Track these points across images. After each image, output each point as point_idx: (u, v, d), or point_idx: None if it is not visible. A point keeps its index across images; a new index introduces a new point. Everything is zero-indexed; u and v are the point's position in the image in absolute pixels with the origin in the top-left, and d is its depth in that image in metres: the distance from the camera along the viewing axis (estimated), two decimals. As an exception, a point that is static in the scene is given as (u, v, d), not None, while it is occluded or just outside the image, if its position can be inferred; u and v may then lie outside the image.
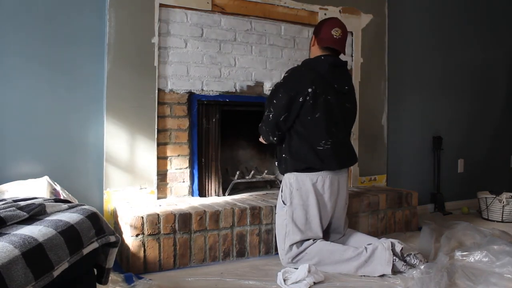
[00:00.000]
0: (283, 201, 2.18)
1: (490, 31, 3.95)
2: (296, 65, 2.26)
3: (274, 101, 2.12)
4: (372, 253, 2.00)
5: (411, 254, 2.05)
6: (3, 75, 2.13)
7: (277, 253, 2.23)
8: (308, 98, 2.07)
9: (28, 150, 2.19)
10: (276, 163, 2.31)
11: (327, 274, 1.99)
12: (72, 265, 1.19)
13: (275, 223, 2.27)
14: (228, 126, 2.81)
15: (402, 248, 2.05)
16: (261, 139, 2.32)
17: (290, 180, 2.16)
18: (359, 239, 2.22)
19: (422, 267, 1.96)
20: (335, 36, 2.16)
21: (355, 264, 2.00)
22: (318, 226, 2.14)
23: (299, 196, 2.13)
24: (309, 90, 2.07)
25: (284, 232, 2.14)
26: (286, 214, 2.14)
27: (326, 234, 2.25)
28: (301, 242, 2.10)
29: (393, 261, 1.97)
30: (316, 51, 2.22)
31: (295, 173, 2.14)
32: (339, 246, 2.08)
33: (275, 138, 2.18)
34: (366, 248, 2.02)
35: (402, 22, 3.41)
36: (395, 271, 1.98)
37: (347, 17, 3.02)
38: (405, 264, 2.00)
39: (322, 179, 2.13)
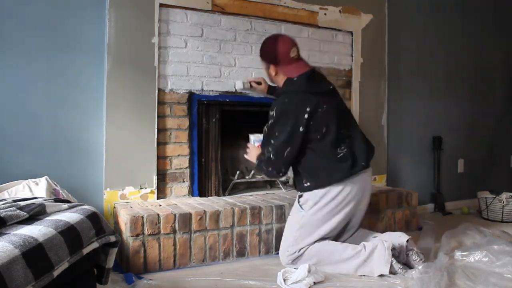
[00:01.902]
0: (300, 205, 2.12)
1: (490, 31, 3.95)
2: (277, 99, 2.13)
3: (272, 141, 2.05)
4: (372, 252, 1.99)
5: (413, 249, 2.06)
6: (2, 75, 2.13)
7: (277, 253, 2.23)
8: (307, 122, 2.00)
9: (28, 150, 2.19)
10: (292, 181, 2.26)
11: (327, 274, 1.98)
12: (72, 265, 1.19)
13: (286, 222, 2.22)
14: (228, 126, 2.81)
15: (408, 239, 2.06)
16: (255, 161, 2.24)
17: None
18: (369, 239, 2.19)
19: (420, 267, 1.96)
20: (295, 58, 2.08)
21: (354, 264, 2.00)
22: (332, 232, 2.10)
23: (322, 205, 2.06)
24: (305, 116, 1.99)
25: (294, 236, 2.09)
26: (301, 219, 2.09)
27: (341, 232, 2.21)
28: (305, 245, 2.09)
29: (391, 262, 1.97)
30: (284, 79, 2.13)
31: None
32: (338, 245, 2.07)
33: (280, 174, 2.11)
34: (365, 247, 2.02)
35: (402, 22, 3.41)
36: (392, 272, 1.98)
37: (347, 17, 3.02)
38: (402, 267, 1.99)
39: (346, 188, 2.05)
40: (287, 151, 2.03)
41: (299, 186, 2.18)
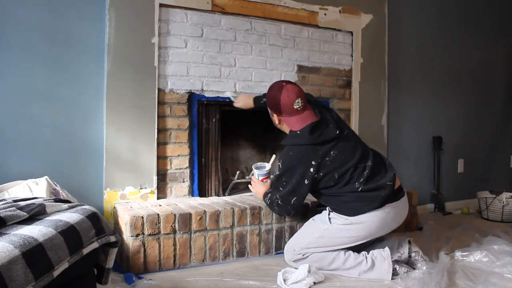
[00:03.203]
0: (329, 218, 2.08)
1: (490, 31, 3.95)
2: (284, 150, 2.10)
3: (281, 188, 2.06)
4: (373, 264, 2.00)
5: (418, 251, 2.07)
6: (2, 74, 2.13)
7: (277, 253, 2.23)
8: (314, 174, 1.98)
9: (28, 150, 2.19)
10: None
11: (327, 274, 1.99)
12: (72, 265, 1.19)
13: (304, 224, 2.22)
14: (228, 126, 2.81)
15: (409, 240, 2.07)
16: (261, 197, 2.24)
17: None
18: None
19: (424, 267, 1.97)
20: (299, 109, 2.01)
21: (355, 273, 2.01)
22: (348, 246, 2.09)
23: (350, 226, 2.01)
24: (311, 170, 1.97)
25: (308, 241, 2.07)
26: (324, 231, 2.06)
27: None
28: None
29: (394, 270, 1.98)
30: (287, 128, 2.12)
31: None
32: (341, 253, 2.05)
33: (295, 213, 2.21)
34: (366, 258, 2.02)
35: (402, 22, 3.41)
36: (395, 274, 1.99)
37: (347, 17, 3.02)
38: (407, 271, 2.00)
39: (384, 214, 2.00)
40: (294, 200, 2.04)
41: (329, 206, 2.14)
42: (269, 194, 2.16)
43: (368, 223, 2.00)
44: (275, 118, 2.13)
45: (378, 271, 1.99)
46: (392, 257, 2.02)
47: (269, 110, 2.17)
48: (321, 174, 1.99)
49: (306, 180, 2.00)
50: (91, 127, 2.33)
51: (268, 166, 2.29)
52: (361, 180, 1.99)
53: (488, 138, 3.98)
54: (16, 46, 2.16)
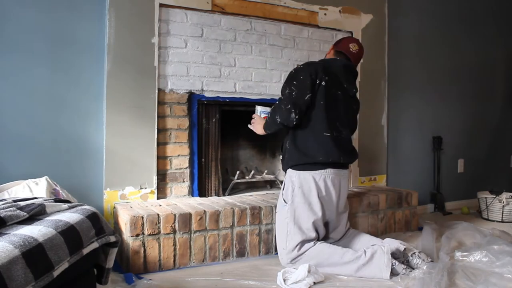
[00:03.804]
0: (284, 200, 2.17)
1: (490, 31, 3.95)
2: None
3: (295, 82, 2.11)
4: (371, 257, 2.00)
5: (415, 253, 2.06)
6: (2, 75, 2.13)
7: (277, 253, 2.22)
8: (324, 83, 2.11)
9: (28, 150, 2.19)
10: (281, 157, 2.29)
11: (327, 275, 1.99)
12: (72, 265, 1.19)
13: (275, 223, 2.26)
14: (228, 126, 2.81)
15: (405, 248, 2.06)
16: (260, 131, 2.26)
17: (292, 178, 2.15)
18: (363, 240, 2.22)
19: (425, 267, 1.96)
20: (351, 50, 2.27)
21: (354, 268, 2.00)
22: (321, 225, 2.14)
23: (301, 195, 2.12)
24: (326, 77, 2.12)
25: (286, 231, 2.13)
26: (288, 212, 2.13)
27: (326, 235, 2.25)
28: (302, 244, 2.10)
29: (392, 265, 1.97)
30: (331, 56, 2.31)
31: (297, 171, 2.13)
32: (338, 248, 2.07)
33: (296, 117, 2.06)
34: (365, 252, 2.02)
35: (402, 22, 3.41)
36: (394, 274, 1.98)
37: (347, 17, 3.02)
38: (405, 267, 1.99)
39: (324, 177, 2.12)
40: (309, 96, 2.08)
41: (282, 161, 2.24)
42: (272, 108, 2.21)
43: (311, 182, 2.10)
44: (330, 49, 2.35)
45: (377, 265, 1.97)
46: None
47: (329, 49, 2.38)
48: (324, 90, 2.11)
49: (308, 81, 2.09)
50: (91, 127, 2.33)
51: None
52: (333, 134, 2.13)
53: (488, 138, 3.98)
54: (16, 46, 2.16)
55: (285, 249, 2.12)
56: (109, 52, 2.30)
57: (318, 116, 2.11)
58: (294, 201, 2.13)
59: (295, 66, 2.25)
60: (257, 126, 2.29)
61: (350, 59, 2.26)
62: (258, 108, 2.32)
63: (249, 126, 2.36)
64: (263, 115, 2.28)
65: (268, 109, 2.27)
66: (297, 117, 2.06)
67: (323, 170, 2.12)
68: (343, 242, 2.26)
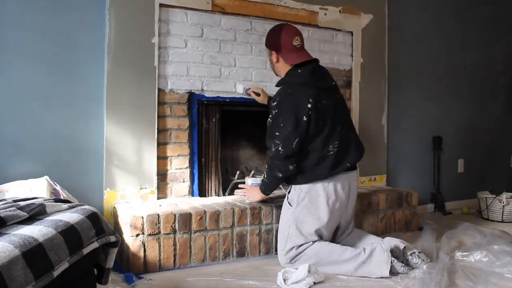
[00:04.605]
0: (289, 202, 2.15)
1: (489, 31, 3.94)
2: (280, 89, 2.16)
3: (277, 134, 2.04)
4: (370, 254, 1.99)
5: (414, 252, 2.06)
6: (2, 75, 2.13)
7: (277, 253, 2.22)
8: (310, 113, 2.02)
9: (28, 150, 2.19)
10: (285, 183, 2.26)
11: (327, 274, 1.99)
12: (72, 265, 1.19)
13: (279, 223, 2.24)
14: (228, 126, 2.80)
15: (404, 247, 2.05)
16: (258, 197, 2.30)
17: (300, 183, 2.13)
18: (364, 239, 2.21)
19: (424, 266, 1.96)
20: (297, 46, 2.10)
21: (353, 265, 2.00)
22: (325, 231, 2.12)
23: (307, 200, 2.09)
24: (308, 106, 2.01)
25: (287, 234, 2.12)
26: (291, 216, 2.12)
27: (334, 235, 2.24)
28: (301, 244, 2.10)
29: (391, 263, 1.97)
30: (285, 68, 2.17)
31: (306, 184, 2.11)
32: (338, 246, 2.07)
33: (294, 165, 2.06)
34: (364, 249, 2.02)
35: (402, 22, 3.41)
36: (393, 272, 1.98)
37: (347, 17, 3.02)
38: (404, 265, 1.99)
39: (334, 183, 2.08)
40: (296, 142, 2.03)
41: (288, 183, 2.21)
42: (267, 165, 2.18)
43: (317, 189, 2.07)
44: (273, 57, 2.19)
45: (376, 262, 1.97)
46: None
47: (267, 52, 2.24)
48: (311, 116, 2.02)
49: (304, 117, 2.01)
50: (91, 127, 2.33)
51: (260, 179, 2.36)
52: (336, 144, 2.07)
53: (488, 138, 3.97)
54: (16, 46, 2.15)
55: (284, 250, 2.12)
56: (109, 52, 2.30)
57: (319, 136, 2.07)
58: (299, 205, 2.11)
59: (277, 96, 2.11)
60: (253, 193, 2.32)
61: (307, 59, 2.13)
62: (249, 181, 2.48)
63: (239, 197, 2.42)
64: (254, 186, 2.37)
65: (259, 180, 2.33)
66: (294, 165, 2.07)
67: (331, 177, 2.09)
68: (346, 240, 2.25)
